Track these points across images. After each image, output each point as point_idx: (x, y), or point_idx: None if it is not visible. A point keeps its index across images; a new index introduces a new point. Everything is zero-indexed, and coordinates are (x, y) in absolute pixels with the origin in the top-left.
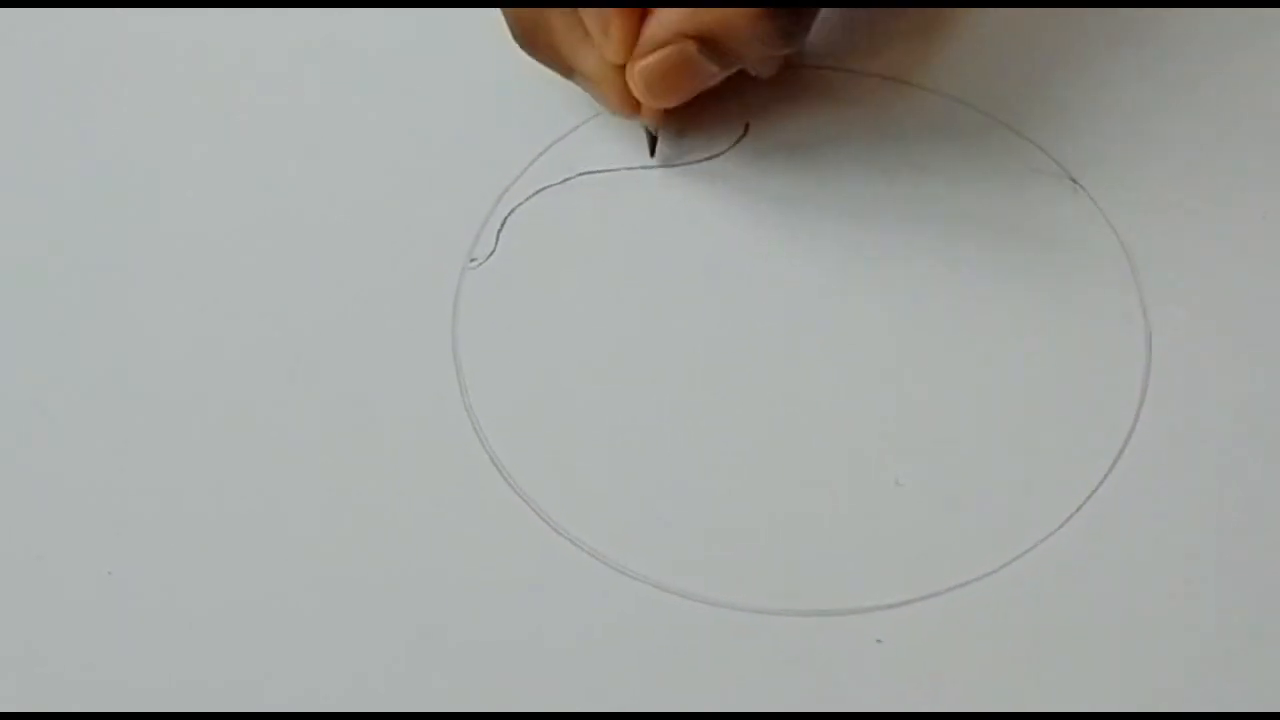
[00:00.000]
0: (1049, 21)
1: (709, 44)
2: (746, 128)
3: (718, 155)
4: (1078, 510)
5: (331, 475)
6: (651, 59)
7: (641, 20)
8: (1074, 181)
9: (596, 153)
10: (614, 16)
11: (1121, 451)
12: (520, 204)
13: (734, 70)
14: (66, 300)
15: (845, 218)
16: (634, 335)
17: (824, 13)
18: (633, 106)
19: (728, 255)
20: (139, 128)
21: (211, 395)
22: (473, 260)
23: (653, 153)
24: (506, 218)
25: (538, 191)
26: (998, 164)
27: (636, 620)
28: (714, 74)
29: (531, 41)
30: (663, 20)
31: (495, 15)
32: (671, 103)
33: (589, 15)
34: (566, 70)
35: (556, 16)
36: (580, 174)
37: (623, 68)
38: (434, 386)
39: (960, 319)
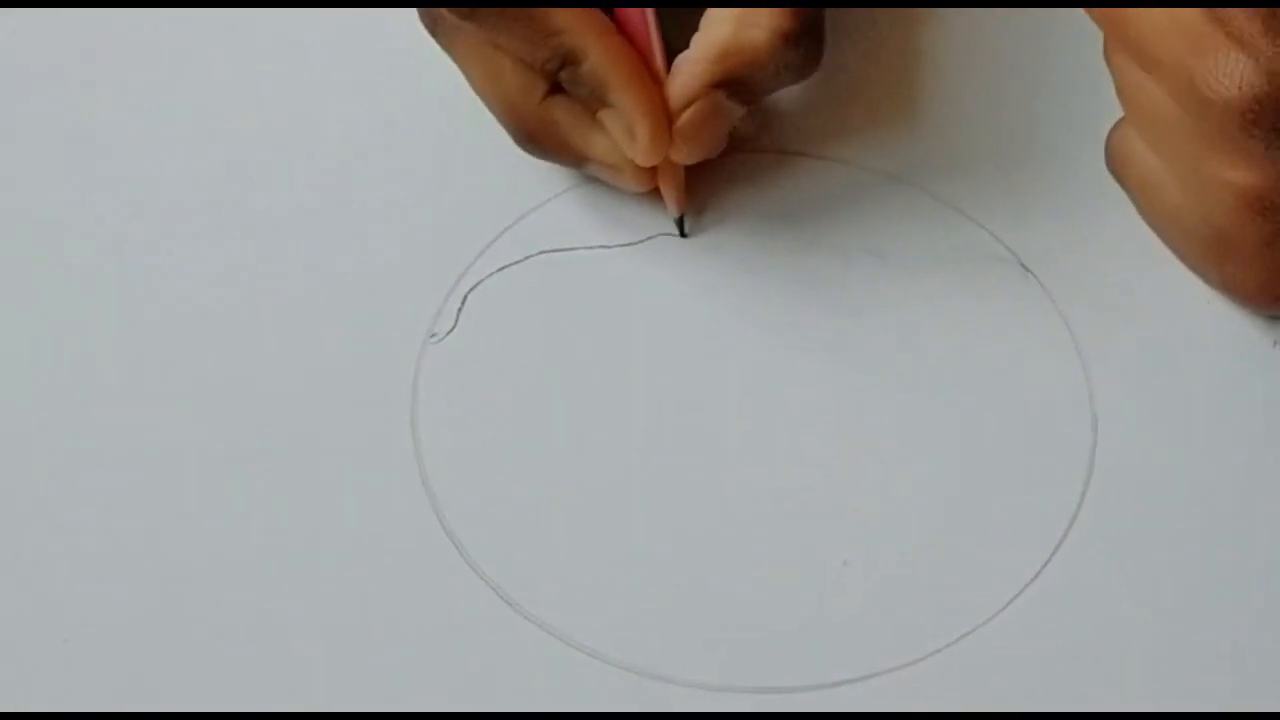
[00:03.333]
0: (1003, 108)
1: (735, 87)
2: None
3: (676, 236)
4: (1020, 592)
5: (288, 550)
6: (686, 117)
7: (664, 114)
8: (1024, 268)
9: (557, 231)
10: (638, 118)
11: (1065, 535)
12: (481, 281)
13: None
14: (18, 370)
15: (800, 300)
16: (592, 413)
17: (782, 96)
18: (649, 184)
19: (684, 335)
20: (102, 208)
21: (171, 467)
22: (433, 336)
23: (682, 232)
24: (467, 295)
25: (498, 269)
26: (950, 249)
27: (582, 694)
28: (737, 114)
29: (537, 141)
30: (686, 79)
31: (458, 94)
32: (711, 153)
33: (609, 118)
34: (579, 161)
35: (559, 111)
36: (541, 252)
37: None
38: (393, 462)
39: (910, 402)
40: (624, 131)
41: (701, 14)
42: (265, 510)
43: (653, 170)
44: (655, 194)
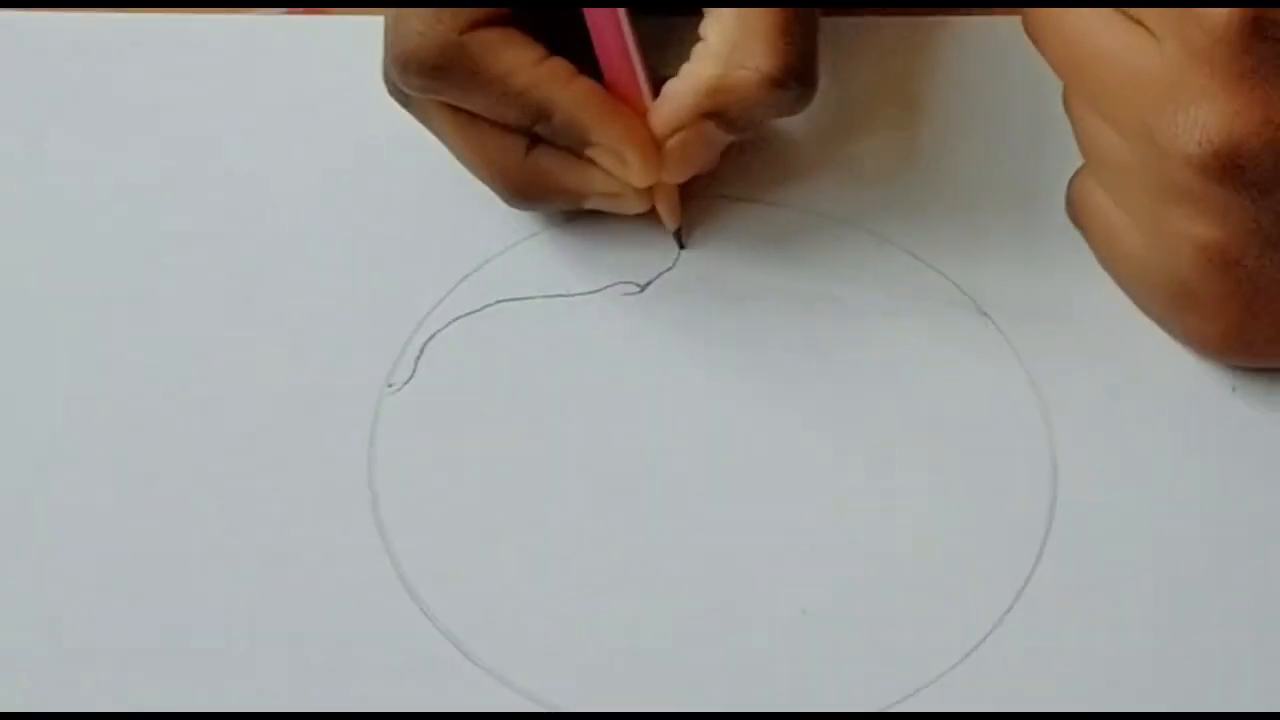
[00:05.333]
0: (960, 153)
1: (725, 119)
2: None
3: (634, 285)
4: (983, 640)
5: (242, 600)
6: (673, 143)
7: (650, 136)
8: (983, 314)
9: (514, 280)
10: (626, 148)
11: (1027, 582)
12: (439, 330)
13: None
14: None
15: (760, 348)
16: (550, 463)
17: (740, 147)
18: (649, 203)
19: (642, 383)
20: (56, 255)
21: (124, 517)
22: (390, 385)
23: (682, 245)
24: (425, 344)
25: (456, 319)
26: (909, 296)
27: None
28: (725, 140)
29: (530, 194)
30: (674, 108)
31: (415, 144)
32: (703, 170)
33: (598, 155)
34: (577, 200)
35: (546, 159)
36: (498, 301)
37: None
38: (349, 512)
39: (869, 449)
40: (615, 162)
41: (684, 31)
42: (220, 560)
43: (649, 194)
44: (610, 242)
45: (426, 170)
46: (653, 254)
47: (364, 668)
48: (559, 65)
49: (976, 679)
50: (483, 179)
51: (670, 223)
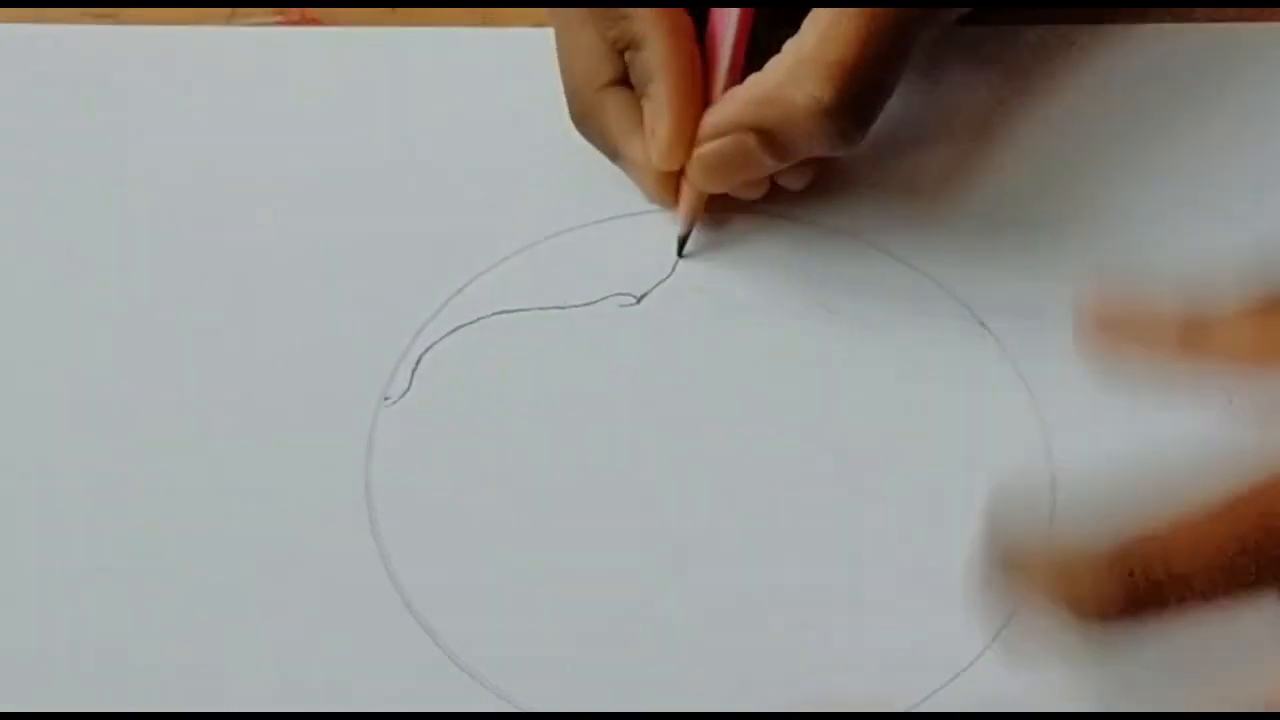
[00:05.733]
0: (956, 166)
1: (767, 137)
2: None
3: (630, 296)
4: (982, 654)
5: (242, 616)
6: (710, 146)
7: (693, 125)
8: (982, 325)
9: (511, 291)
10: (664, 117)
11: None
12: (435, 343)
13: (788, 165)
14: None
15: (757, 360)
16: (548, 474)
17: None
18: (670, 198)
19: (639, 394)
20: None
21: (125, 528)
22: (387, 399)
23: (680, 253)
24: (421, 356)
25: (453, 330)
26: (906, 307)
27: None
28: (768, 166)
29: (585, 122)
30: (725, 110)
31: (411, 154)
32: (723, 189)
33: (646, 108)
34: (612, 154)
35: (610, 103)
36: (494, 313)
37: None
38: (347, 526)
39: (866, 460)
40: (650, 126)
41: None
42: (219, 574)
43: (676, 188)
44: (606, 253)
45: (422, 182)
46: (649, 265)
47: (360, 680)
48: (681, 18)
49: (980, 688)
50: (563, 85)
51: (681, 225)
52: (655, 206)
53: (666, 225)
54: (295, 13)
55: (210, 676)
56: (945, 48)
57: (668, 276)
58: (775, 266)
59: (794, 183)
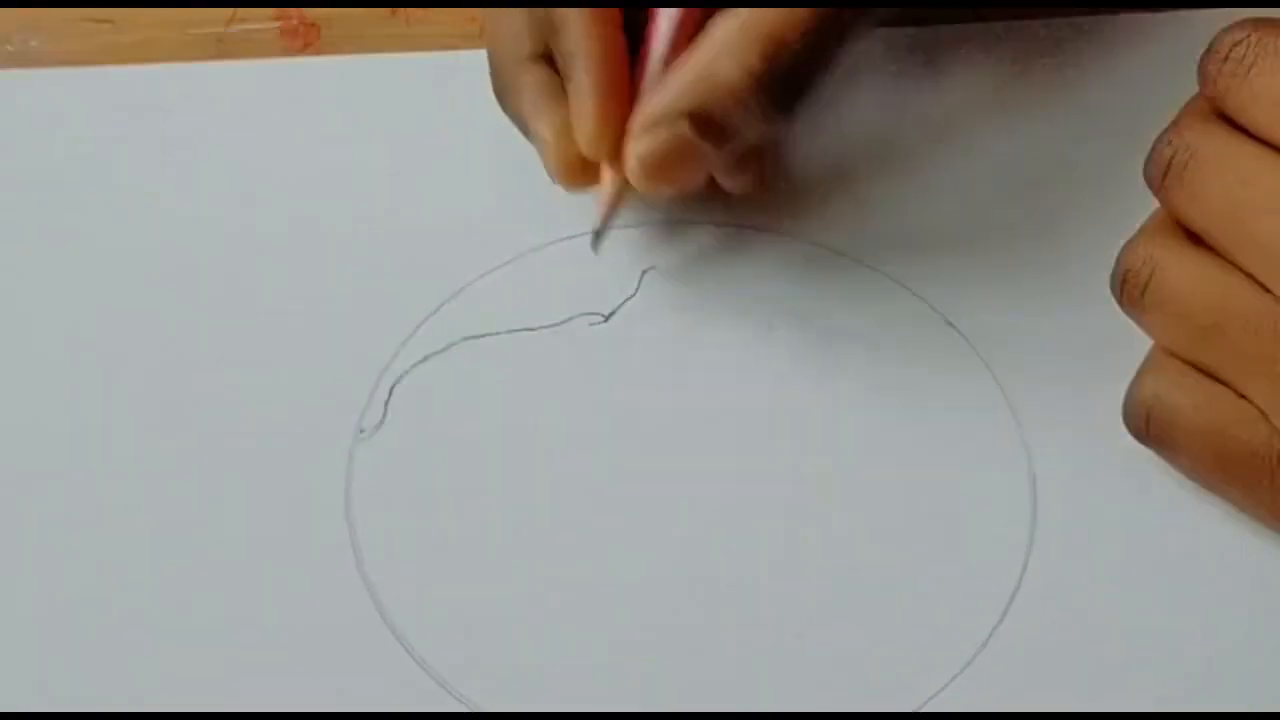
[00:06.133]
0: (910, 169)
1: (701, 120)
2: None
3: (598, 316)
4: (977, 655)
5: (225, 652)
6: (644, 143)
7: (617, 111)
8: (949, 324)
9: (477, 316)
10: (588, 101)
11: (1015, 594)
12: (406, 372)
13: (733, 151)
14: None
15: (728, 372)
16: (528, 497)
17: None
18: (574, 182)
19: (613, 412)
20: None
21: (108, 573)
22: (362, 431)
23: (596, 247)
24: (393, 387)
25: (422, 359)
26: (873, 310)
27: None
28: (708, 155)
29: (503, 96)
30: (659, 99)
31: (370, 185)
32: (664, 191)
33: (571, 96)
34: (523, 128)
35: (529, 79)
36: (463, 339)
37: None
38: (330, 560)
39: (843, 468)
40: (576, 112)
41: None
42: (202, 614)
43: (581, 172)
44: (571, 273)
45: (384, 212)
46: (615, 282)
47: (349, 709)
48: (605, 12)
49: (976, 690)
50: (488, 57)
51: (599, 218)
52: (617, 224)
53: (629, 242)
54: (294, 13)
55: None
56: (908, 54)
57: (634, 293)
58: (742, 278)
59: (735, 183)
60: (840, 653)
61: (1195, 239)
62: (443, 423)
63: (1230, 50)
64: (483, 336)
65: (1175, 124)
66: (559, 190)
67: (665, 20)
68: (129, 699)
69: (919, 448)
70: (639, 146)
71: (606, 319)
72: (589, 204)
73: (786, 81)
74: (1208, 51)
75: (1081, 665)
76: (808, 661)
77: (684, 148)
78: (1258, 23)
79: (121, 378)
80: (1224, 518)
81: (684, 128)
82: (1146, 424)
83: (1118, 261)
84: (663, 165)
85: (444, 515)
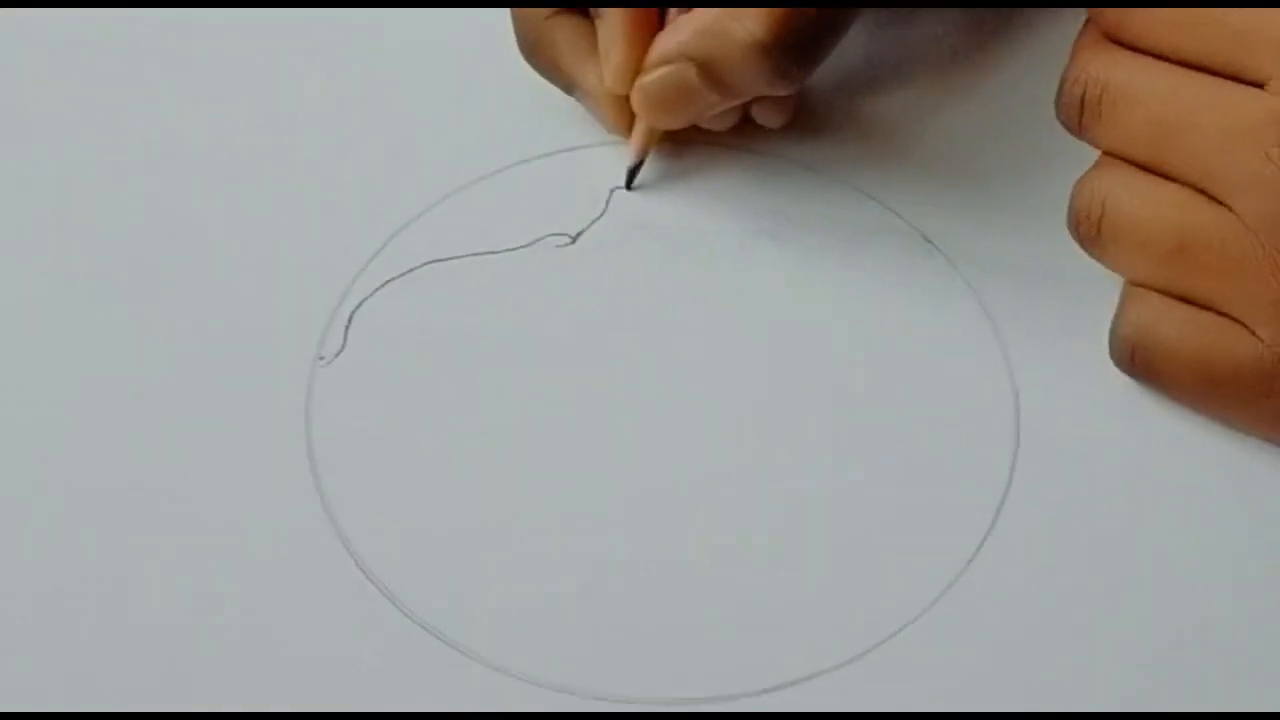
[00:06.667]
0: (894, 89)
1: (707, 70)
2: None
3: (565, 236)
4: (959, 576)
5: (190, 583)
6: (651, 77)
7: (644, 50)
8: (928, 241)
9: (440, 240)
10: (617, 42)
11: (997, 517)
12: (366, 299)
13: (738, 102)
14: None
15: (701, 293)
16: (493, 424)
17: None
18: (629, 127)
19: (580, 337)
20: None
21: (64, 508)
22: (321, 358)
23: (629, 185)
24: (353, 313)
25: (383, 284)
26: (852, 229)
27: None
28: (714, 103)
29: (535, 53)
30: (669, 39)
31: (326, 105)
32: (671, 124)
33: (600, 34)
34: (567, 85)
35: (561, 31)
36: (425, 263)
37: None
38: (291, 490)
39: (826, 386)
40: (604, 49)
41: None
42: (165, 549)
43: (632, 115)
44: (537, 194)
45: (339, 136)
46: (581, 203)
47: (311, 638)
48: None
49: (956, 615)
50: (511, 12)
51: (631, 156)
52: (583, 142)
53: (596, 161)
54: None
55: (157, 652)
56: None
57: (602, 214)
58: (712, 196)
59: (770, 119)
60: (823, 571)
61: (1140, 165)
62: (405, 349)
63: None
64: (446, 260)
65: (1075, 59)
66: (523, 109)
67: None
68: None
69: (900, 368)
70: (644, 80)
71: (574, 240)
72: (554, 124)
73: (795, 46)
74: None
75: (1066, 584)
76: (792, 580)
77: (689, 89)
78: None
79: (74, 304)
80: (1208, 431)
81: (690, 72)
82: (1132, 358)
83: (1070, 204)
84: (666, 102)
85: (406, 443)
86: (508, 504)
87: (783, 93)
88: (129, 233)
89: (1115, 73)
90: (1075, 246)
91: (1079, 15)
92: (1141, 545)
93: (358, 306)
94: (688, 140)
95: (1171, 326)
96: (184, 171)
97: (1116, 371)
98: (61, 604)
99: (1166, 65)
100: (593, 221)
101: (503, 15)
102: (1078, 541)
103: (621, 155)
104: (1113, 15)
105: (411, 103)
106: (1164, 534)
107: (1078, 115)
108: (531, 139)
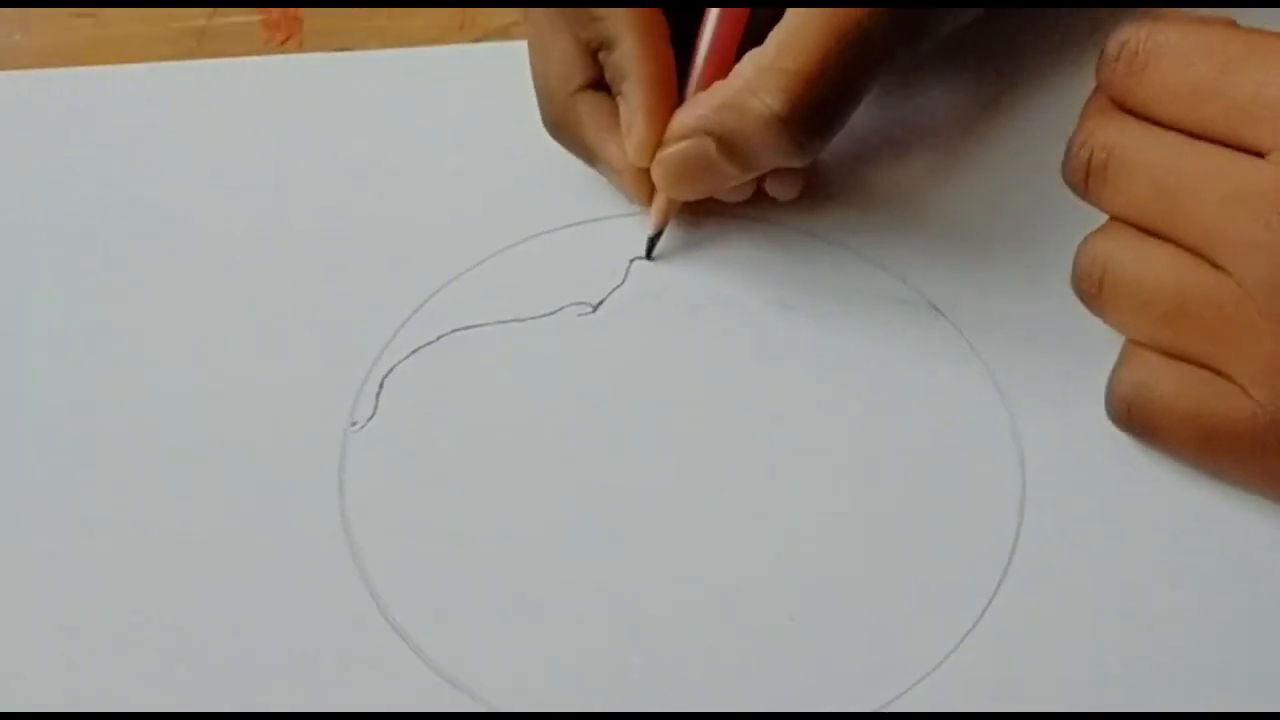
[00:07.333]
0: (900, 159)
1: (725, 144)
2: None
3: (587, 306)
4: (971, 630)
5: (222, 651)
6: (670, 151)
7: (664, 125)
8: (934, 307)
9: (466, 308)
10: (639, 118)
11: (1004, 575)
12: (396, 365)
13: (755, 174)
14: None
15: (718, 361)
16: (522, 487)
17: None
18: (649, 200)
19: (604, 402)
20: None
21: (100, 572)
22: (354, 424)
23: (649, 254)
24: (384, 380)
25: (412, 351)
26: (862, 297)
27: None
28: (731, 175)
29: (560, 128)
30: (688, 114)
31: (356, 175)
32: (689, 196)
33: (621, 109)
34: (590, 158)
35: (585, 107)
36: (453, 330)
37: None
38: (325, 555)
39: (837, 452)
40: (626, 125)
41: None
42: (200, 612)
43: (654, 187)
44: (559, 264)
45: (372, 205)
46: (602, 272)
47: (348, 703)
48: (656, 19)
49: (968, 670)
50: (535, 91)
51: (651, 226)
52: (603, 214)
53: (616, 231)
54: (276, 12)
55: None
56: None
57: (622, 283)
58: (727, 266)
59: (783, 192)
60: (832, 635)
61: (1142, 228)
62: (434, 414)
63: (1120, 51)
64: (472, 328)
65: (1083, 125)
66: (544, 182)
67: (707, 25)
68: (122, 697)
69: (908, 432)
70: (664, 154)
71: (595, 309)
72: (574, 196)
73: (812, 119)
74: (1101, 56)
75: (1070, 647)
76: (800, 645)
77: (708, 162)
78: (1142, 21)
79: (112, 378)
80: (1212, 492)
81: (709, 146)
82: (1129, 415)
83: (1074, 262)
84: (685, 174)
85: (438, 506)
86: (538, 566)
87: (798, 164)
88: (163, 301)
89: (1121, 139)
90: (1080, 312)
91: (1083, 87)
92: (1147, 605)
93: (388, 373)
94: (704, 211)
95: (1168, 384)
96: (219, 240)
97: (1121, 434)
98: (98, 672)
99: (1171, 133)
100: (613, 290)
101: (526, 90)
102: (1083, 602)
103: (640, 226)
104: (1120, 84)
105: (441, 176)
106: (1169, 594)
107: (1083, 178)
108: (554, 210)
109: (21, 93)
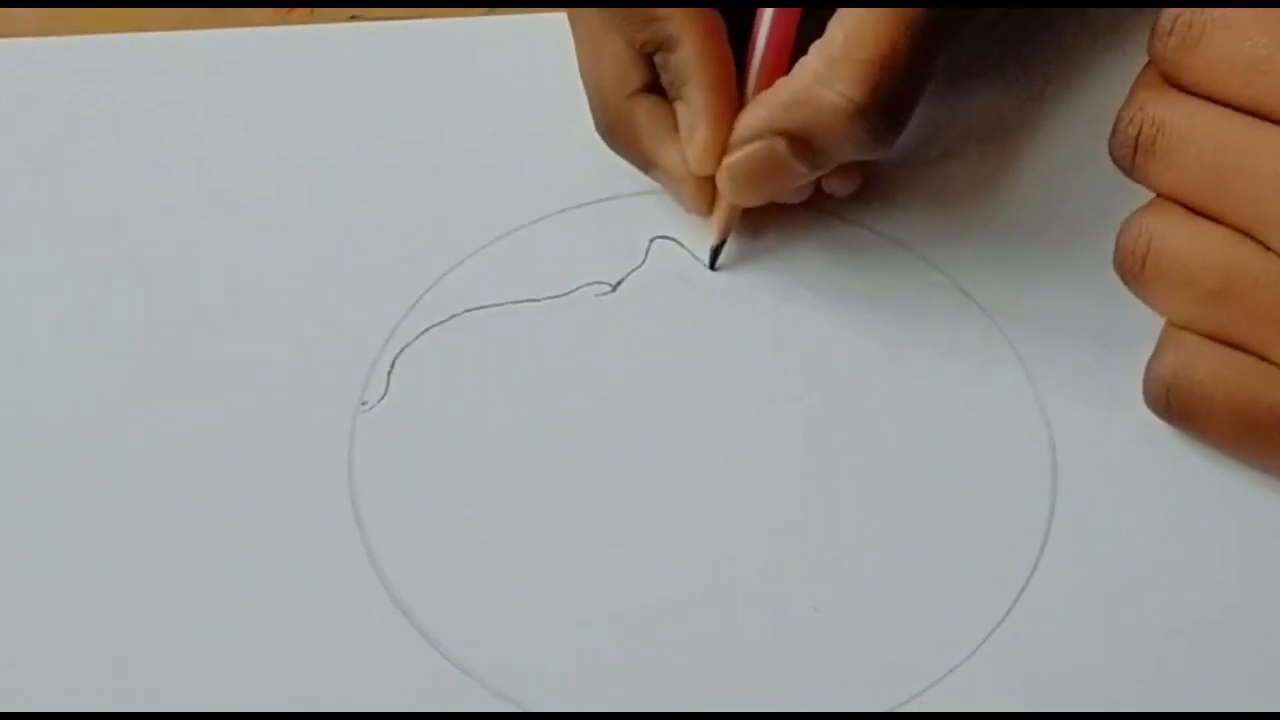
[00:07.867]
0: (927, 141)
1: (799, 143)
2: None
3: (605, 286)
4: (1000, 623)
5: (230, 633)
6: (739, 155)
7: (728, 129)
8: (965, 294)
9: (480, 287)
10: (701, 122)
11: (1035, 566)
12: (408, 344)
13: (826, 171)
14: None
15: (742, 345)
16: (534, 470)
17: None
18: (709, 207)
19: (619, 385)
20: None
21: (109, 553)
22: (364, 404)
23: (713, 265)
24: (395, 359)
25: (424, 331)
26: (889, 281)
27: None
28: (802, 175)
29: (614, 133)
30: (755, 115)
31: (369, 151)
32: (755, 201)
33: (681, 114)
34: (646, 164)
35: (641, 111)
36: (466, 310)
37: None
38: (334, 536)
39: (865, 439)
40: (686, 130)
41: None
42: (207, 594)
43: (713, 195)
44: (577, 243)
45: (383, 181)
46: (621, 252)
47: (353, 684)
48: (714, 20)
49: (997, 662)
50: (587, 97)
51: (715, 235)
52: (623, 191)
53: (636, 210)
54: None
55: (203, 693)
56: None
57: (642, 263)
58: (752, 248)
59: (840, 188)
60: (857, 627)
61: (1189, 207)
62: (446, 395)
63: (1174, 25)
64: (486, 308)
65: (1132, 100)
66: (564, 158)
67: (763, 24)
68: (130, 686)
69: (938, 422)
70: (732, 160)
71: (614, 289)
72: (595, 172)
73: (891, 107)
74: (1153, 30)
75: (1102, 644)
76: (825, 637)
77: (779, 164)
78: None
79: (121, 354)
80: (1254, 484)
81: (780, 146)
82: (1167, 400)
83: (1117, 239)
84: (755, 179)
85: (448, 488)
86: (550, 548)
87: (874, 156)
88: (171, 281)
89: (1171, 114)
90: (1115, 302)
91: (1126, 81)
92: (1181, 595)
93: (400, 353)
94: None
95: (1208, 368)
96: (228, 218)
97: (1154, 425)
98: (105, 662)
99: (1223, 109)
100: (632, 270)
101: (544, 63)
102: (1116, 599)
103: (660, 204)
104: (1173, 58)
105: (454, 151)
106: (1204, 584)
107: (1131, 154)
108: (572, 188)
109: (24, 60)
